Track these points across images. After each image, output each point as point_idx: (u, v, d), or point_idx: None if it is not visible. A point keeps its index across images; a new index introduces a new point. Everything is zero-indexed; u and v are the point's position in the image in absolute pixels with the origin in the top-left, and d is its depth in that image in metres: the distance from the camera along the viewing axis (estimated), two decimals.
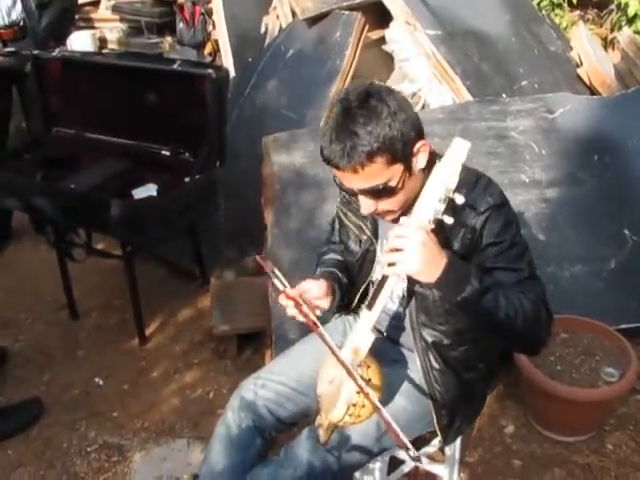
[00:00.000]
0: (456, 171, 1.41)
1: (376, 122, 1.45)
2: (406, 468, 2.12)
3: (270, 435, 1.88)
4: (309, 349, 1.92)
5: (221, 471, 1.82)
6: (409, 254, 1.38)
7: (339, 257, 1.93)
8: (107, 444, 2.65)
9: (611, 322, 2.71)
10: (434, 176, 1.42)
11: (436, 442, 2.03)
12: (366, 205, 1.57)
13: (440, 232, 1.49)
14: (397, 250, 1.40)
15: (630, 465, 2.47)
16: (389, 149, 1.46)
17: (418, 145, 1.53)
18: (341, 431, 1.69)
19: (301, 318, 1.62)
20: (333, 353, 1.50)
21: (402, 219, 1.46)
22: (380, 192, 1.52)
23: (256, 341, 3.11)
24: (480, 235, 1.56)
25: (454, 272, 1.43)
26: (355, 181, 1.51)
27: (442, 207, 1.41)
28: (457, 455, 2.14)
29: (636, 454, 2.52)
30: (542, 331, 1.57)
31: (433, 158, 1.58)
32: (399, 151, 1.48)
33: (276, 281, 1.62)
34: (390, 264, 1.43)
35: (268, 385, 1.87)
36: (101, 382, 2.98)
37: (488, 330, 1.60)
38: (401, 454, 2.05)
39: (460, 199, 1.40)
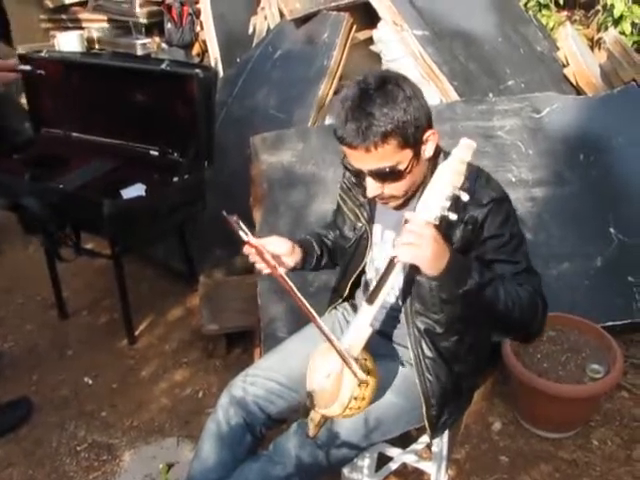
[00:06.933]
0: (462, 170, 1.44)
1: (392, 105, 1.50)
2: (394, 465, 2.14)
3: (260, 432, 1.90)
4: (298, 345, 1.94)
5: (211, 467, 1.83)
6: (422, 249, 1.41)
7: (322, 232, 2.02)
8: (96, 443, 2.65)
9: (597, 319, 2.74)
10: (442, 174, 1.45)
11: (423, 439, 2.05)
12: (372, 188, 1.61)
13: (443, 225, 1.53)
14: (409, 244, 1.43)
15: (615, 460, 2.49)
16: (402, 133, 1.51)
17: (428, 133, 1.58)
18: (330, 426, 1.71)
19: (263, 266, 1.71)
20: (320, 329, 1.54)
21: (407, 214, 1.48)
22: (388, 175, 1.57)
23: (245, 340, 3.12)
24: (481, 227, 1.60)
25: (457, 265, 1.47)
26: (366, 161, 1.55)
27: (448, 204, 1.44)
28: (444, 452, 2.16)
29: (621, 450, 2.54)
30: (538, 321, 1.61)
31: (437, 151, 1.64)
32: (410, 136, 1.53)
33: (241, 232, 1.67)
34: (401, 256, 1.46)
35: (258, 382, 1.89)
36: (90, 381, 2.98)
37: (486, 320, 1.65)
38: (389, 451, 2.07)
39: (465, 197, 1.45)
